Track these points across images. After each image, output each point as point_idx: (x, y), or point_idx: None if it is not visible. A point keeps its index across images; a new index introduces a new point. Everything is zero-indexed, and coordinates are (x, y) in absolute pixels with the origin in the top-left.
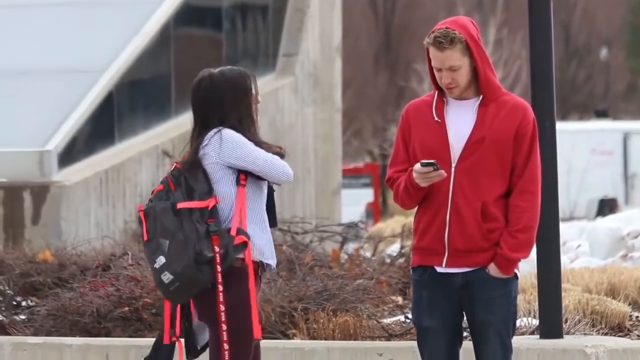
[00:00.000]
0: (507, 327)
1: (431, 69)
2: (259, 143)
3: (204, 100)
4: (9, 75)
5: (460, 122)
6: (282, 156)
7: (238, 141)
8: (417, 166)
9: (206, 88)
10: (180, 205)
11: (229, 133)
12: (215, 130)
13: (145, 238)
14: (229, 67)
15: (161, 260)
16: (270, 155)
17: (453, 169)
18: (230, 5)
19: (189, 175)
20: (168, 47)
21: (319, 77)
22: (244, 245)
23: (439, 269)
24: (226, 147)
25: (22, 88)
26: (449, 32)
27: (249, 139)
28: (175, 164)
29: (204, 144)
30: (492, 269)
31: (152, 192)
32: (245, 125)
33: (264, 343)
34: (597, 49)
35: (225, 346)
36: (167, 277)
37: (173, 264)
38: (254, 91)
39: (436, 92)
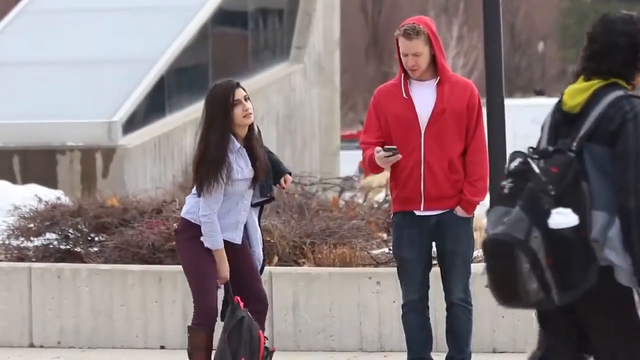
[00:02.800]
0: (468, 255)
1: (399, 55)
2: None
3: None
4: (85, 63)
5: (424, 98)
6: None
7: None
8: (381, 153)
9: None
10: None
11: None
12: None
13: None
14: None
15: None
16: None
17: (422, 135)
18: (254, 9)
19: None
20: (206, 42)
21: (323, 64)
22: None
23: (417, 213)
24: None
25: (95, 73)
26: (415, 26)
27: None
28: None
29: None
30: (459, 211)
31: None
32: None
33: (281, 269)
34: (535, 43)
35: None
36: None
37: None
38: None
39: (402, 75)
